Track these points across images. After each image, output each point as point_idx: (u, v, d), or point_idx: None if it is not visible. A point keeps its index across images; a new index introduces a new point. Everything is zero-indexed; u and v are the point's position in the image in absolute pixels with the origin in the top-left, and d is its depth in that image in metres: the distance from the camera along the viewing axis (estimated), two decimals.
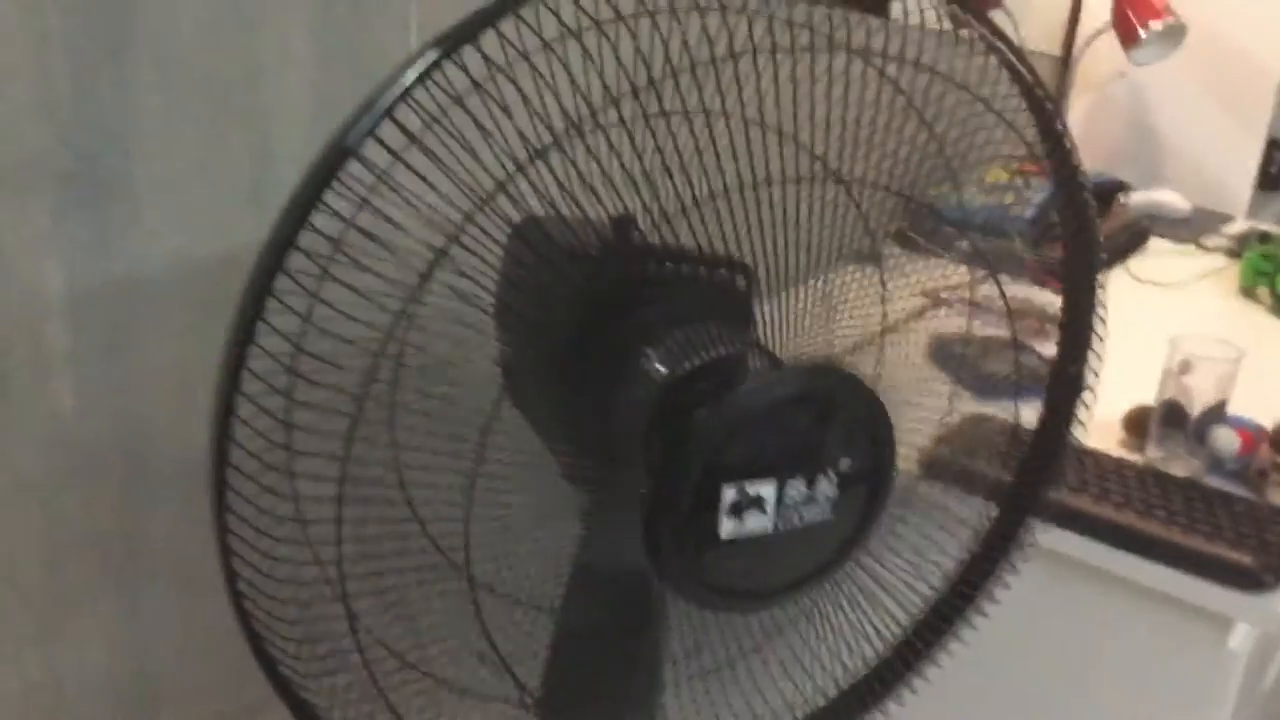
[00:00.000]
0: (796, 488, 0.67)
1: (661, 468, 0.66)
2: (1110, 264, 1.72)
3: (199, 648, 1.05)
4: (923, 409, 0.97)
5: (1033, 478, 0.99)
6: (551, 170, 0.68)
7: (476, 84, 0.64)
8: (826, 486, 0.68)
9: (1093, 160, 1.50)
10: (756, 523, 0.66)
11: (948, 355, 1.01)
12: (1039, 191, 1.58)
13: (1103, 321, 0.94)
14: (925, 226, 0.93)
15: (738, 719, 0.94)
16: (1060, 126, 0.79)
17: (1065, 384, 0.98)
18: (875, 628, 0.93)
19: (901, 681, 0.99)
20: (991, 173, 0.99)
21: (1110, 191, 1.86)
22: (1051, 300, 0.99)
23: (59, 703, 0.97)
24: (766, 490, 0.66)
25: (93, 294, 0.89)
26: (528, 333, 0.78)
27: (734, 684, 0.91)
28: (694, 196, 0.73)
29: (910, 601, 0.94)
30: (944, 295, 0.98)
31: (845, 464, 0.68)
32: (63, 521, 0.93)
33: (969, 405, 0.99)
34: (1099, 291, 0.94)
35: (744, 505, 0.65)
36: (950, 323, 0.99)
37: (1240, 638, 1.08)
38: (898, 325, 0.96)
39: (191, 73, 0.90)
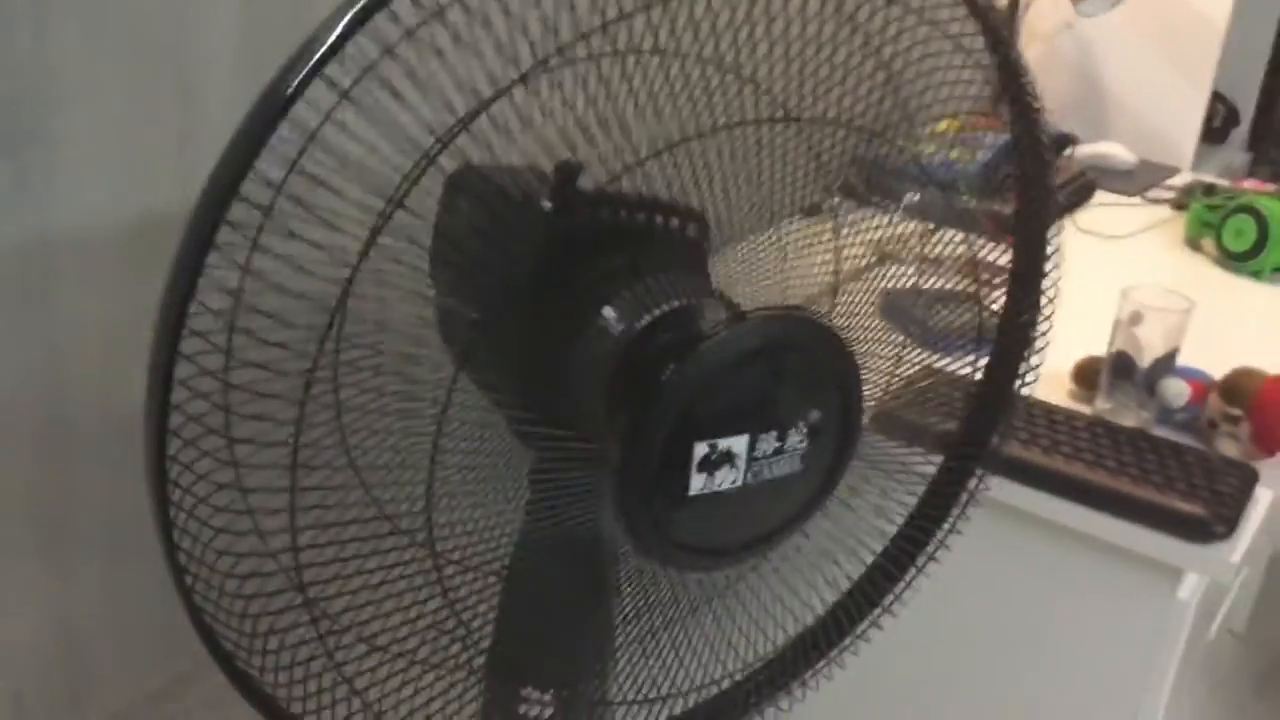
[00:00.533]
0: (767, 441, 0.65)
1: (630, 427, 0.63)
2: (1057, 217, 1.71)
3: (131, 616, 1.01)
4: (873, 362, 0.95)
5: (981, 430, 0.98)
6: (492, 121, 0.65)
7: (419, 27, 0.61)
8: (796, 439, 0.66)
9: None
10: (726, 477, 0.64)
11: (897, 309, 1.00)
12: (989, 144, 1.57)
13: (1056, 270, 0.93)
14: (874, 179, 0.91)
15: (689, 675, 0.92)
16: (1017, 57, 0.77)
17: (1015, 334, 0.96)
18: (825, 579, 0.91)
19: (851, 635, 0.98)
20: (941, 125, 0.97)
21: (1057, 144, 1.85)
22: (1000, 253, 0.98)
23: None
24: (738, 445, 0.64)
25: (8, 248, 0.85)
26: (467, 287, 0.75)
27: (685, 641, 0.89)
28: (642, 145, 0.70)
29: (861, 554, 0.92)
30: (893, 249, 0.96)
31: (815, 415, 0.66)
32: None
33: (919, 359, 0.98)
34: (1053, 238, 0.93)
35: (715, 461, 0.63)
36: (899, 276, 0.97)
37: (1190, 588, 1.08)
38: (848, 278, 0.94)
39: (113, 15, 0.86)
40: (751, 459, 0.65)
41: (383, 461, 0.68)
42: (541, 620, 0.83)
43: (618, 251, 0.74)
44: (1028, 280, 0.95)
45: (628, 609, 0.88)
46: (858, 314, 0.92)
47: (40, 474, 0.92)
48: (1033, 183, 0.89)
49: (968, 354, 0.96)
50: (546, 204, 0.74)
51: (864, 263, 0.94)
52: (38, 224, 0.86)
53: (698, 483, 0.63)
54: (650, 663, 0.91)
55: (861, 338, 0.91)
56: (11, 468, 0.90)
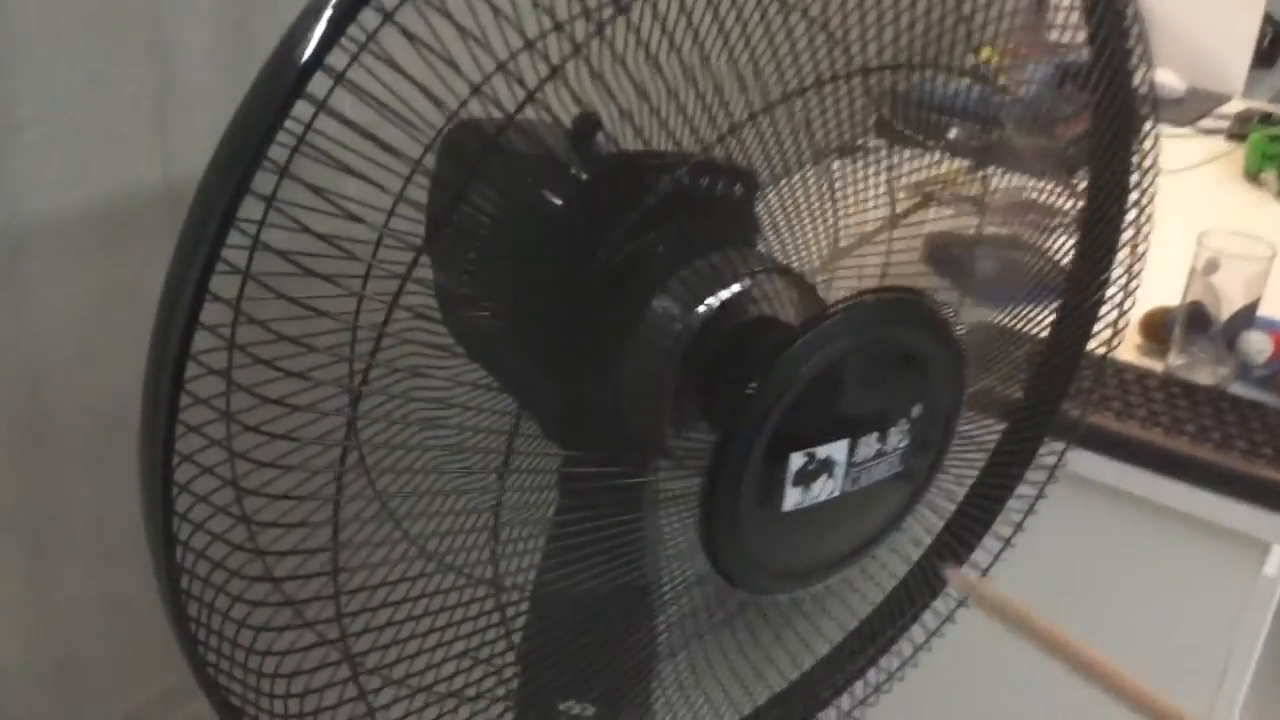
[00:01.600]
0: (868, 444, 0.55)
1: (715, 449, 0.54)
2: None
3: (122, 625, 0.93)
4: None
5: (1050, 393, 0.89)
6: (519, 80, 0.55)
7: None
8: (897, 437, 0.57)
9: None
10: (824, 489, 0.55)
11: (945, 258, 0.90)
12: (1036, 73, 1.46)
13: (1143, 207, 0.82)
14: (911, 114, 0.80)
15: (753, 669, 0.84)
16: None
17: (1087, 285, 0.87)
18: (883, 564, 0.83)
19: (919, 612, 0.89)
20: (981, 54, 0.87)
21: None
22: (1059, 195, 0.88)
23: None
24: (837, 451, 0.55)
25: None
26: (470, 264, 0.65)
27: (742, 635, 0.80)
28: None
29: (926, 530, 0.84)
30: (936, 190, 0.86)
31: (917, 410, 0.57)
32: None
33: (972, 313, 0.88)
34: (1137, 169, 0.82)
35: (813, 472, 0.54)
36: (945, 221, 0.87)
37: (1277, 563, 0.99)
38: (894, 225, 0.84)
39: None
40: (851, 465, 0.56)
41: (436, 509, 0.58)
42: (581, 633, 0.75)
43: (653, 222, 0.64)
44: (1104, 218, 0.85)
45: (672, 613, 0.80)
46: (904, 268, 0.82)
47: (21, 478, 0.83)
48: (1113, 102, 0.79)
49: (1029, 306, 0.87)
50: (574, 170, 0.65)
51: (903, 207, 0.84)
52: (0, 199, 0.77)
53: (793, 498, 0.54)
54: (697, 665, 0.83)
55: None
56: None
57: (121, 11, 0.79)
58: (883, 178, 0.79)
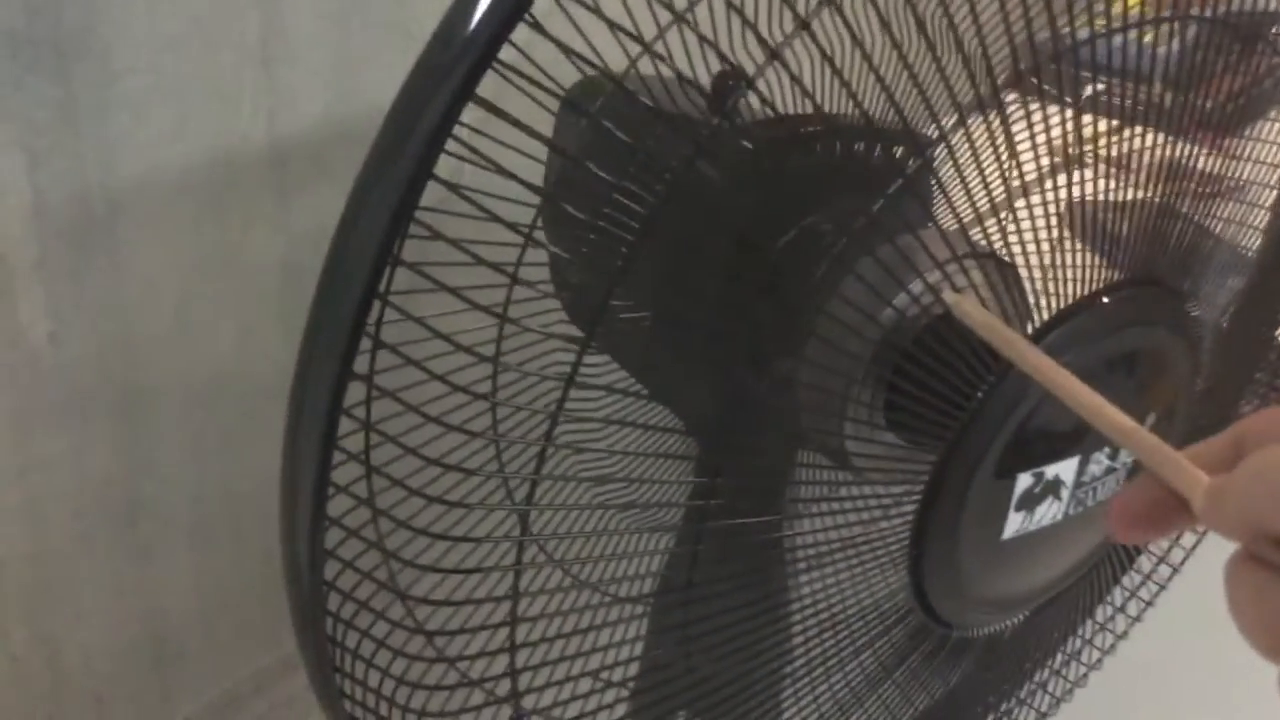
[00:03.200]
0: (1099, 460, 0.48)
1: (933, 470, 0.47)
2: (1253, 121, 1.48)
3: (216, 605, 0.89)
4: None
5: (1229, 388, 0.80)
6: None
7: None
8: (1128, 452, 0.50)
9: None
10: (1048, 512, 0.48)
11: (1091, 227, 0.82)
12: (1183, 25, 1.35)
13: None
14: (1047, 67, 0.72)
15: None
16: None
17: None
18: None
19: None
20: (1120, 4, 0.78)
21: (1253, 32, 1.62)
22: (1207, 157, 0.79)
23: (57, 674, 0.82)
24: (1066, 471, 0.48)
25: (61, 190, 0.70)
26: (598, 252, 0.58)
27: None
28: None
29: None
30: (1077, 151, 0.77)
31: (1151, 419, 0.50)
32: (44, 470, 0.76)
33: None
34: None
35: (1039, 495, 0.47)
36: (1088, 186, 0.79)
37: None
38: (1027, 189, 0.75)
39: None
40: (1079, 484, 0.49)
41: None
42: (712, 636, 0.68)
43: (818, 193, 0.56)
44: None
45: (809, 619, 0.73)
46: (1040, 237, 0.74)
47: (115, 452, 0.79)
48: None
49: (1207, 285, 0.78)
50: (727, 137, 0.57)
51: (1040, 171, 0.76)
52: (95, 159, 0.71)
53: (1014, 523, 0.47)
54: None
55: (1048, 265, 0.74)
56: (85, 448, 0.77)
57: None
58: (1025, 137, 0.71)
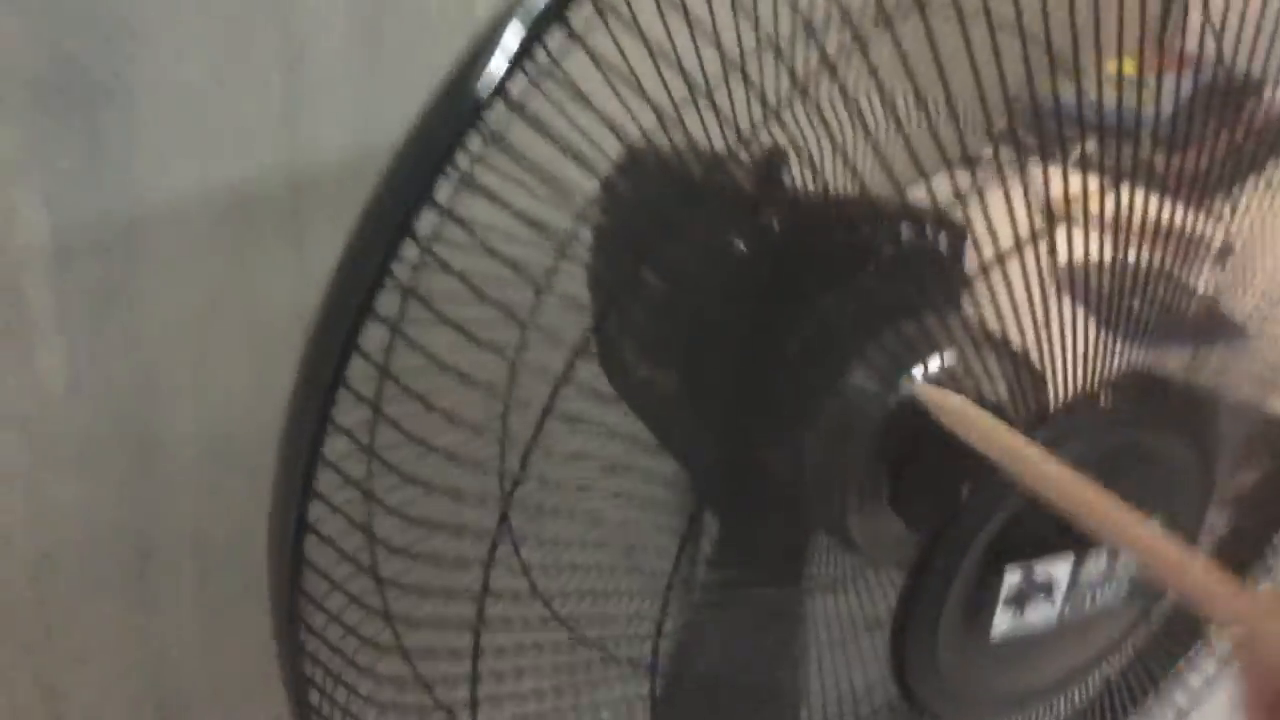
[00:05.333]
0: (1096, 561, 0.47)
1: (915, 562, 0.46)
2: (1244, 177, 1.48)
3: (222, 657, 0.87)
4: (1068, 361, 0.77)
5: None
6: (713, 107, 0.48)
7: None
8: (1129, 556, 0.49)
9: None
10: (1040, 614, 0.47)
11: (1088, 289, 0.81)
12: (1175, 87, 1.36)
13: None
14: (1037, 124, 0.72)
15: None
16: None
17: None
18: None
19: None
20: (1113, 63, 0.78)
21: (1240, 90, 1.64)
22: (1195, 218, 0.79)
23: None
24: (1060, 571, 0.47)
25: (82, 235, 0.70)
26: (638, 305, 0.58)
27: None
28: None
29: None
30: (1070, 210, 0.77)
31: (1161, 518, 0.49)
32: (57, 518, 0.75)
33: (1131, 355, 0.79)
34: None
35: (1028, 594, 0.46)
36: (1079, 244, 0.78)
37: None
38: (1021, 247, 0.75)
39: None
40: (1074, 586, 0.48)
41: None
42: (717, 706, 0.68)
43: (840, 277, 0.56)
44: None
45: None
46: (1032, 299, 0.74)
47: (127, 500, 0.78)
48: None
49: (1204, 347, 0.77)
50: (772, 219, 0.57)
51: (1032, 228, 0.76)
52: (119, 200, 0.71)
53: (1003, 623, 0.47)
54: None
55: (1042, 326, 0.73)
56: (97, 496, 0.76)
57: (251, 6, 0.73)
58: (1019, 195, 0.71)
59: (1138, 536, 0.31)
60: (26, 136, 0.65)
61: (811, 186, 0.55)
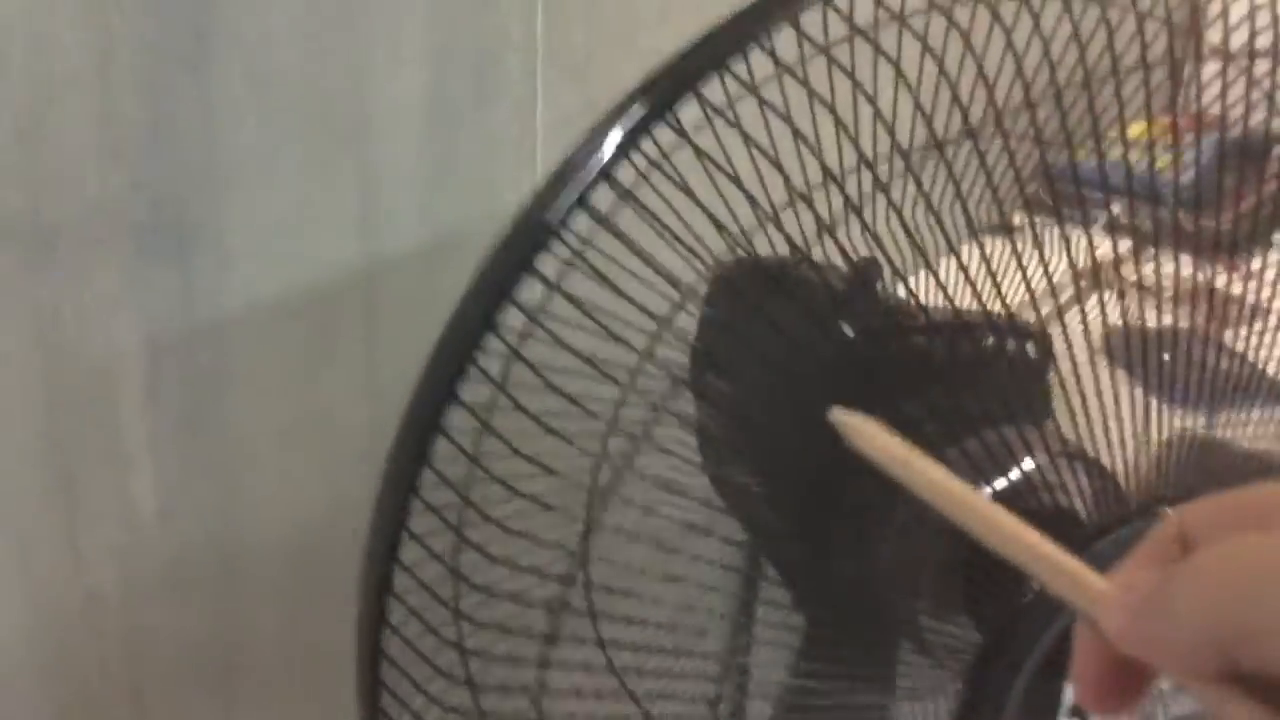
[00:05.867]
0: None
1: (971, 667, 0.48)
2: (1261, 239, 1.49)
3: None
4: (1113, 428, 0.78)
5: None
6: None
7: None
8: None
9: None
10: None
11: (1128, 354, 0.82)
12: (1196, 150, 1.37)
13: None
14: (1063, 190, 0.73)
15: None
16: None
17: None
18: None
19: None
20: (1132, 128, 0.80)
21: (1259, 149, 1.66)
22: (1221, 278, 0.80)
23: None
24: None
25: (174, 370, 0.71)
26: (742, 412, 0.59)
27: None
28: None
29: None
30: (1097, 275, 0.79)
31: None
32: (147, 640, 0.76)
33: (1175, 421, 0.80)
34: None
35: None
36: (1113, 310, 0.79)
37: None
38: (1055, 313, 0.77)
39: (286, 84, 0.71)
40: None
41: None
42: None
43: (926, 388, 0.58)
44: None
45: None
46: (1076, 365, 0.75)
47: (214, 615, 0.79)
48: None
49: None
50: (847, 329, 0.59)
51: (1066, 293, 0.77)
52: (207, 328, 0.73)
53: None
54: None
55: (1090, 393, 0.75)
56: (186, 615, 0.77)
57: (328, 133, 0.75)
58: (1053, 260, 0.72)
59: (1031, 545, 0.33)
60: (125, 275, 0.67)
61: (900, 294, 0.57)
